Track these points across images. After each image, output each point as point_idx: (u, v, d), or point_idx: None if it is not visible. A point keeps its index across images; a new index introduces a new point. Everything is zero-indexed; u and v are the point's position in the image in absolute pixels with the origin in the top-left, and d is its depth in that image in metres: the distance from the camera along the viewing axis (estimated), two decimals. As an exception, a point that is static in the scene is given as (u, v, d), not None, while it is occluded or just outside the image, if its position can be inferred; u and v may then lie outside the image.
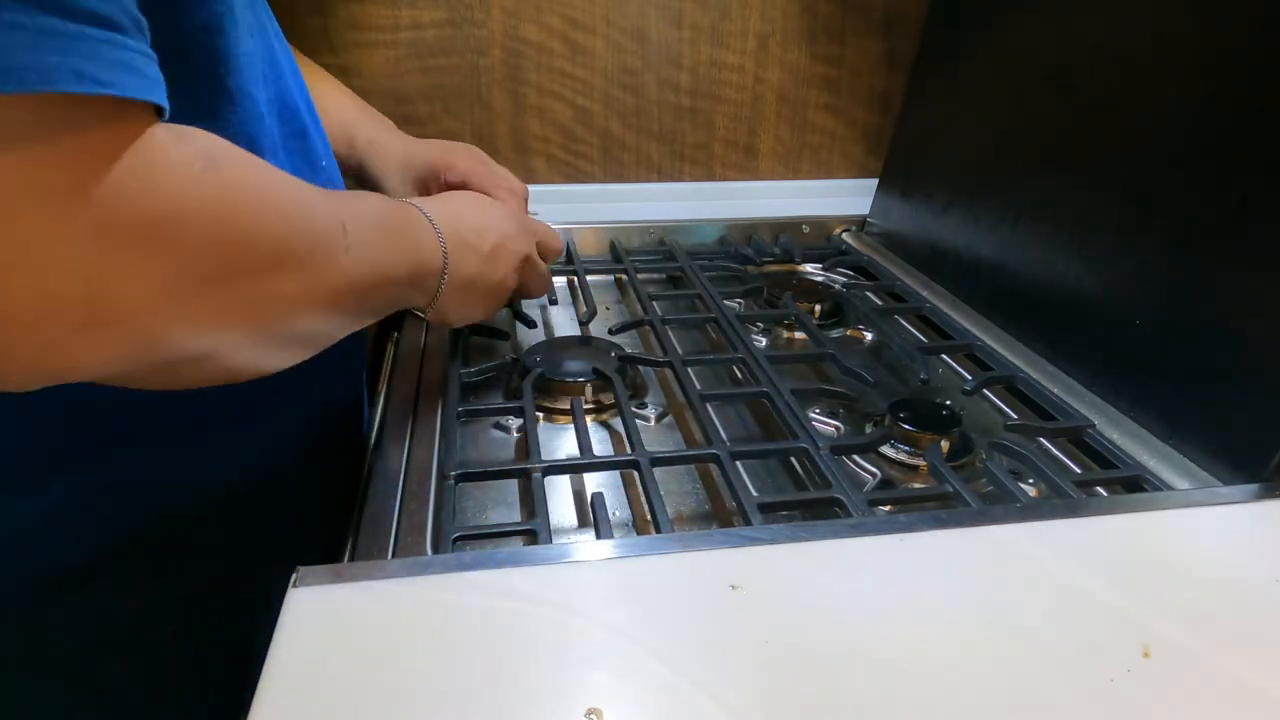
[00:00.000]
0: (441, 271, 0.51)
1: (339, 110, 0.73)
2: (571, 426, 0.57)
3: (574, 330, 0.75)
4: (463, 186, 0.71)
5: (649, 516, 0.47)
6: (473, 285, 0.55)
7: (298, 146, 0.54)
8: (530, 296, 0.67)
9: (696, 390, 0.59)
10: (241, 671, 0.44)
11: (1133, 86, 0.61)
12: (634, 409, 0.61)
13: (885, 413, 0.57)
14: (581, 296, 0.77)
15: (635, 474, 0.50)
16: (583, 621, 0.35)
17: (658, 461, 0.50)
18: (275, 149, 0.50)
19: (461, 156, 0.74)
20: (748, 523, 0.45)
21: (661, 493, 0.47)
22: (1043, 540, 0.41)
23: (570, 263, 0.87)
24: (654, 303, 0.74)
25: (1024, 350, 0.66)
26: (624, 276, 0.85)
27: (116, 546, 0.49)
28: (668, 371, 0.64)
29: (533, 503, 0.47)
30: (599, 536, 0.45)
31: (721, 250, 0.93)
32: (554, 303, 0.79)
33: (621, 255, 0.88)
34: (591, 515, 0.47)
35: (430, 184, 0.73)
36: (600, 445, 0.58)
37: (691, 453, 0.54)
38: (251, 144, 0.46)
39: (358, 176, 0.74)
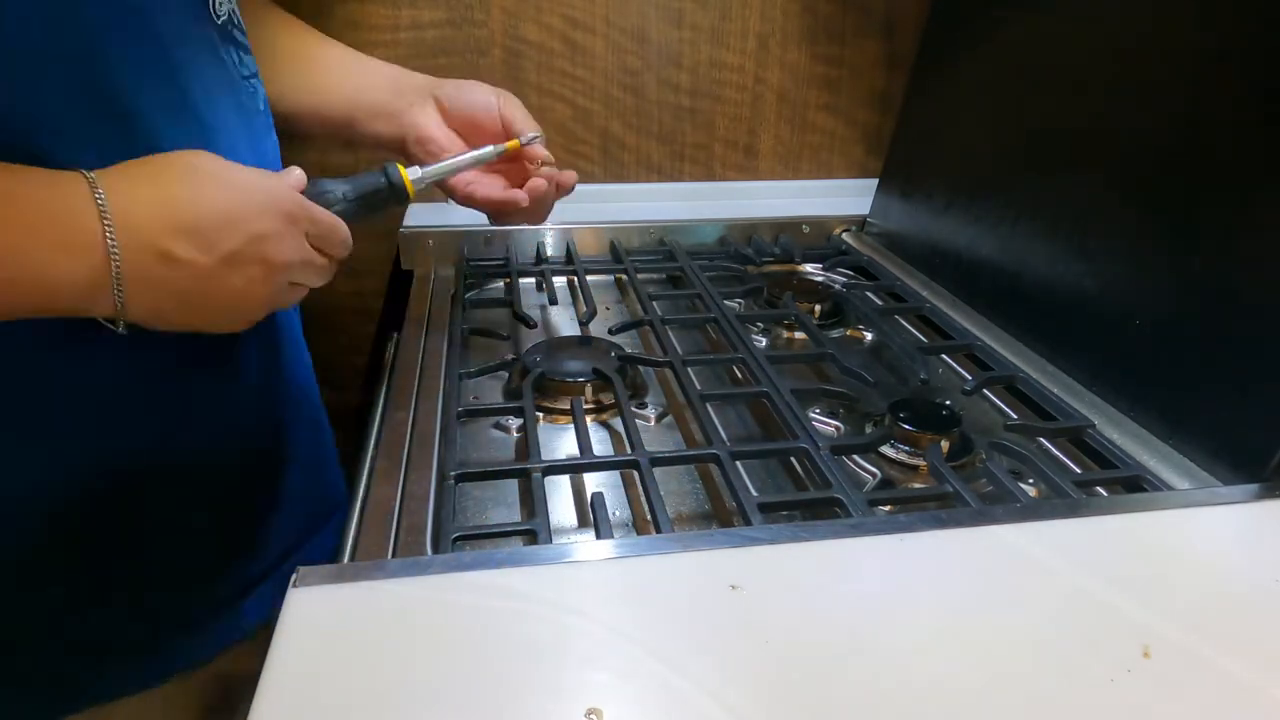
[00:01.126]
0: (113, 285, 0.40)
1: (367, 76, 0.68)
2: (571, 426, 0.57)
3: (574, 330, 0.75)
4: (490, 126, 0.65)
5: (649, 516, 0.47)
6: (187, 298, 0.43)
7: None
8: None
9: (696, 390, 0.59)
10: None
11: (1133, 86, 0.61)
12: (634, 409, 0.61)
13: (885, 413, 0.57)
14: (581, 296, 0.77)
15: (635, 474, 0.50)
16: (583, 621, 0.35)
17: (658, 461, 0.50)
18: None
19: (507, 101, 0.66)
20: (748, 523, 0.45)
21: (661, 493, 0.47)
22: (1043, 540, 0.41)
23: (570, 263, 0.87)
24: (654, 303, 0.74)
25: (1024, 350, 0.66)
26: (624, 276, 0.85)
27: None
28: (668, 371, 0.64)
29: (533, 503, 0.47)
30: (599, 536, 0.45)
31: (721, 250, 0.93)
32: (554, 303, 0.79)
33: (621, 255, 0.88)
34: (591, 515, 0.47)
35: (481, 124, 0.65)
36: (600, 445, 0.58)
37: (691, 453, 0.54)
38: None
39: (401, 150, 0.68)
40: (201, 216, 0.42)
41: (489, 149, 0.62)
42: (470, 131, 0.66)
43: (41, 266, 0.38)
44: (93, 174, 0.40)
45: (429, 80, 0.67)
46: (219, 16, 0.51)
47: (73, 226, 0.39)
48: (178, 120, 0.47)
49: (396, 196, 0.57)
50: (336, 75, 0.67)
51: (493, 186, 0.66)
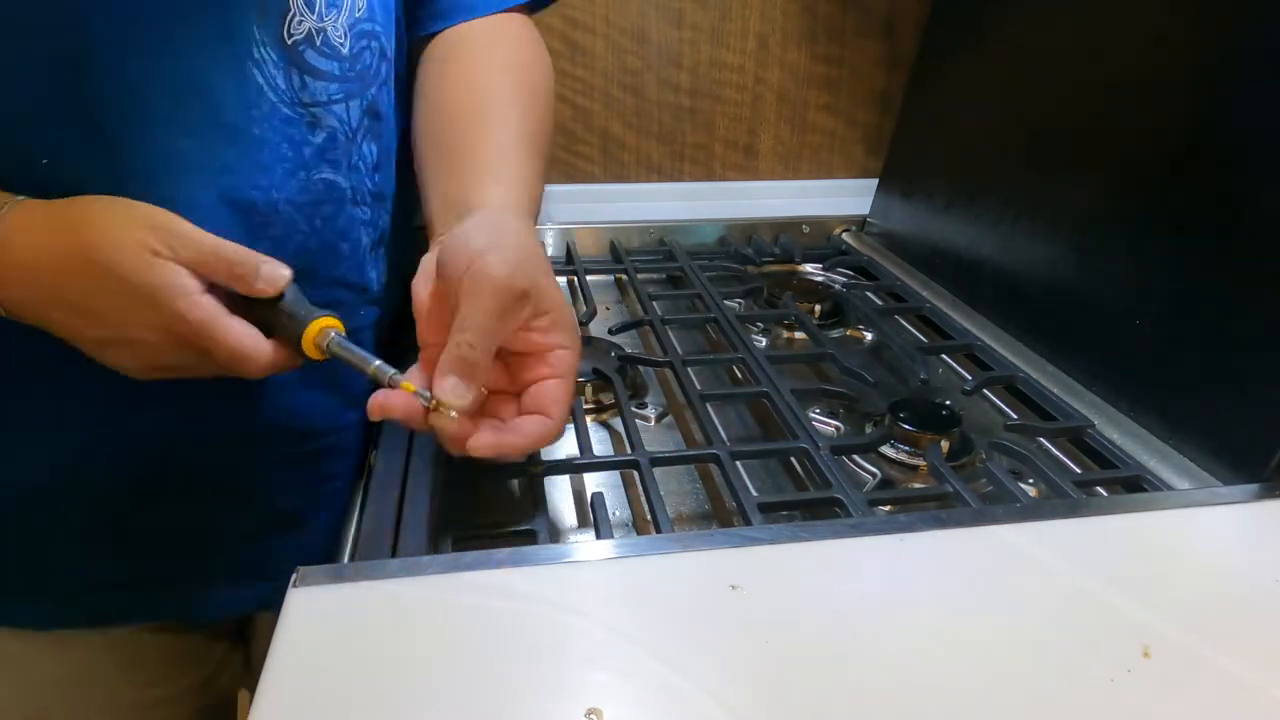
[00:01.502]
0: None
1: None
2: (571, 426, 0.57)
3: (574, 330, 0.75)
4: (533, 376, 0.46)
5: (649, 516, 0.47)
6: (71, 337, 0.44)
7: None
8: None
9: (696, 390, 0.59)
10: None
11: (1133, 86, 0.61)
12: (634, 409, 0.61)
13: (885, 413, 0.57)
14: (581, 296, 0.77)
15: (635, 474, 0.50)
16: (583, 621, 0.35)
17: (658, 461, 0.50)
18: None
19: (569, 353, 0.47)
20: (748, 523, 0.45)
21: (661, 493, 0.47)
22: (1043, 540, 0.41)
23: (570, 262, 0.87)
24: (654, 303, 0.74)
25: (1024, 350, 0.66)
26: (624, 276, 0.85)
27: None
28: (668, 371, 0.64)
29: (533, 503, 0.47)
30: (599, 536, 0.45)
31: (721, 250, 0.93)
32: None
33: (621, 255, 0.88)
34: (591, 515, 0.47)
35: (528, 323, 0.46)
36: (600, 445, 0.58)
37: (691, 453, 0.54)
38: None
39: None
40: (80, 303, 0.42)
41: (388, 372, 0.44)
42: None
43: None
44: (6, 206, 0.41)
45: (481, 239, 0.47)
46: (293, 34, 0.49)
47: None
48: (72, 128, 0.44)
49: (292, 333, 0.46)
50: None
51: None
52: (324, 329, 0.45)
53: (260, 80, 0.48)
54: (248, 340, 0.44)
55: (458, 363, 0.42)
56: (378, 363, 0.44)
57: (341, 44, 0.51)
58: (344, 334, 0.46)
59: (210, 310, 0.43)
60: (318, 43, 0.50)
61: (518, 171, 0.53)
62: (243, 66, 0.47)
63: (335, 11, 0.50)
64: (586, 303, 0.75)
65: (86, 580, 0.54)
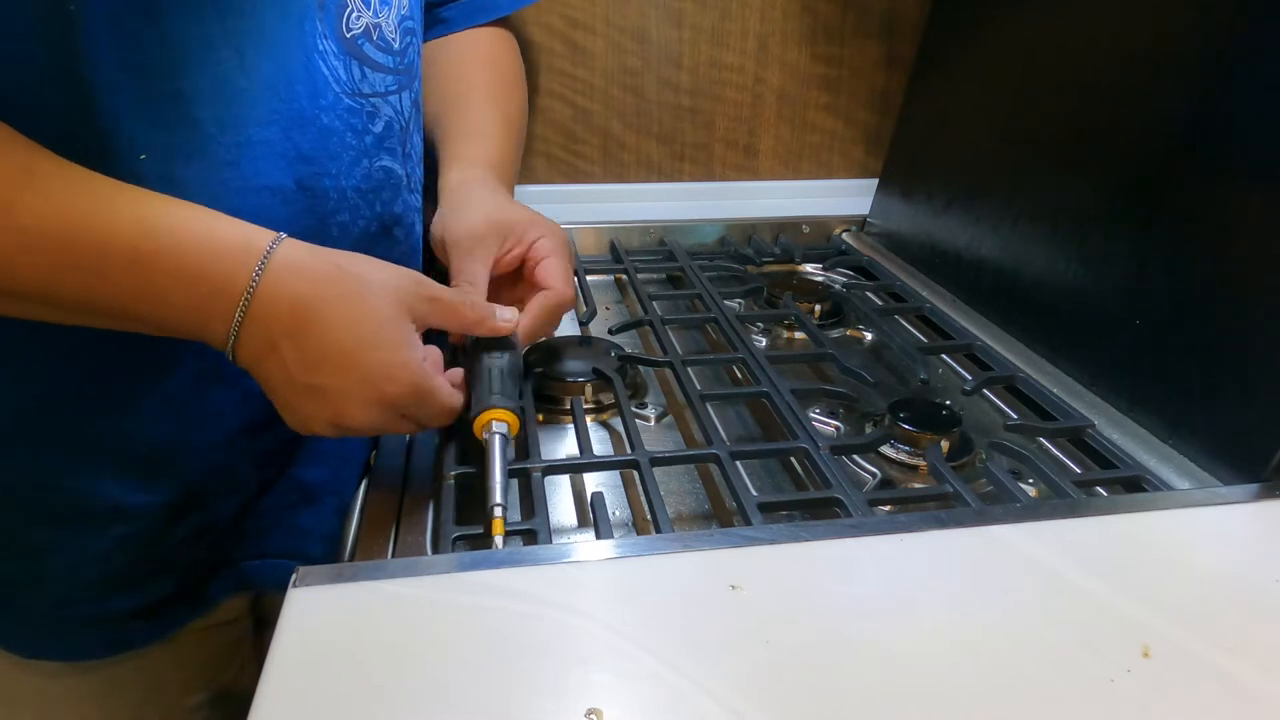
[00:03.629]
0: (230, 334, 0.42)
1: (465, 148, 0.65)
2: (571, 426, 0.57)
3: (574, 330, 0.75)
4: (532, 269, 0.58)
5: (649, 516, 0.47)
6: (274, 380, 0.44)
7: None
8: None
9: (696, 390, 0.59)
10: None
11: (1133, 86, 0.61)
12: (634, 409, 0.61)
13: (885, 413, 0.57)
14: (581, 297, 0.77)
15: (635, 474, 0.50)
16: (583, 621, 0.35)
17: (658, 461, 0.50)
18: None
19: (546, 239, 0.60)
20: (748, 523, 0.45)
21: (661, 493, 0.47)
22: (1043, 540, 0.41)
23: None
24: (654, 303, 0.74)
25: (1024, 350, 0.66)
26: (624, 276, 0.85)
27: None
28: (667, 371, 0.64)
29: (533, 503, 0.47)
30: (599, 536, 0.45)
31: (721, 250, 0.93)
32: None
33: (621, 255, 0.88)
34: (591, 515, 0.47)
35: (502, 248, 0.58)
36: (600, 445, 0.58)
37: (691, 453, 0.54)
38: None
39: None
40: (311, 339, 0.43)
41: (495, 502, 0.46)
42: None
43: (174, 299, 0.42)
44: (276, 244, 0.43)
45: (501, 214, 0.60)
46: (351, 29, 0.51)
47: (217, 281, 0.42)
48: (154, 119, 0.45)
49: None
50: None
51: None
52: (495, 419, 0.48)
53: (325, 72, 0.50)
54: (457, 397, 0.49)
55: (467, 299, 0.52)
56: (498, 497, 0.45)
57: (393, 39, 0.54)
58: (509, 435, 0.49)
59: (431, 371, 0.47)
60: (374, 37, 0.53)
61: (490, 137, 0.67)
62: (310, 59, 0.49)
63: (387, 9, 0.54)
64: (586, 303, 0.75)
65: (109, 610, 0.54)
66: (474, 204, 0.59)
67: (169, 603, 0.56)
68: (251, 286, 0.41)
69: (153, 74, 0.44)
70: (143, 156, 0.44)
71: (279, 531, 0.59)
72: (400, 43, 0.55)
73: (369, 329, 0.44)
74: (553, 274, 0.58)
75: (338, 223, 0.53)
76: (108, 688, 0.57)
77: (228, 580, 0.58)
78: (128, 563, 0.53)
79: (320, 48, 0.49)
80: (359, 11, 0.51)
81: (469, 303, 0.50)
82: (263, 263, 0.41)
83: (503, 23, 0.75)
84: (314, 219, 0.51)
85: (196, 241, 0.41)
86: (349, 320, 0.43)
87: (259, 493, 0.57)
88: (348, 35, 0.51)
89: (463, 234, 0.56)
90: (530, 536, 0.44)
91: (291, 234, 0.44)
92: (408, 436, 0.55)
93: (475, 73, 0.70)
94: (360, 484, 0.59)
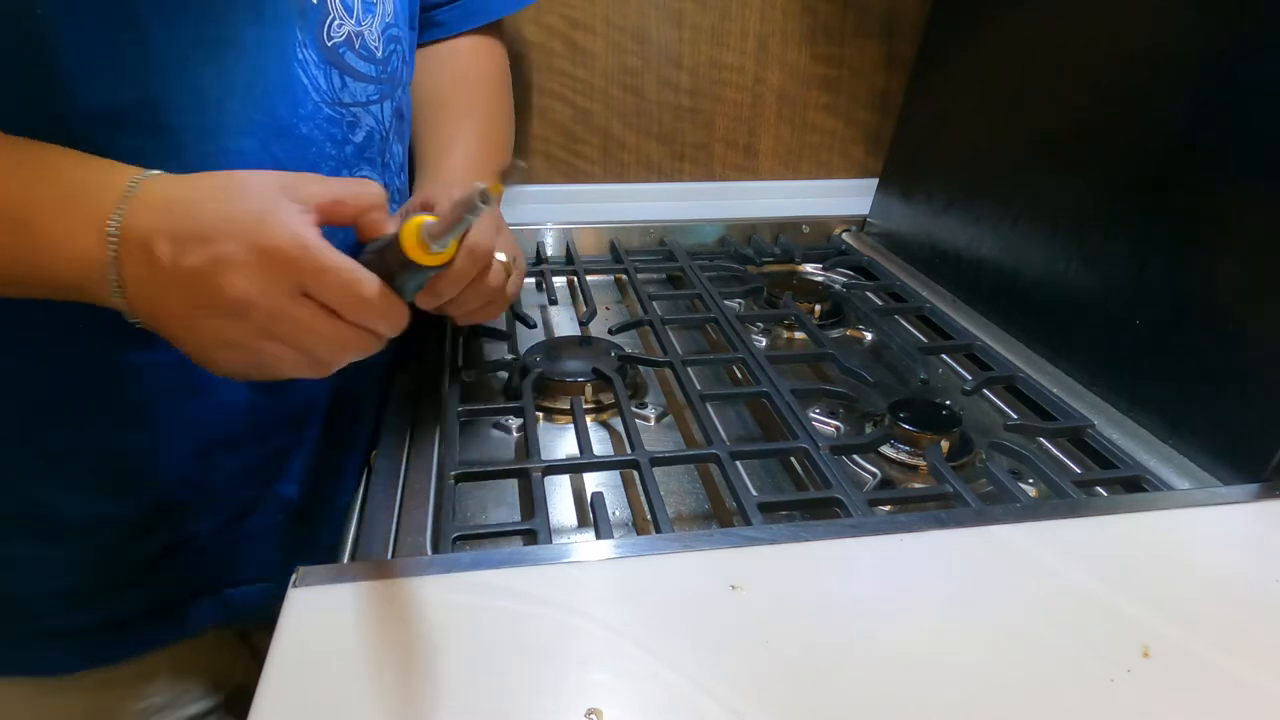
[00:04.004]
0: (109, 268, 0.39)
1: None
2: (571, 426, 0.57)
3: (574, 330, 0.75)
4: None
5: (649, 516, 0.47)
6: (169, 307, 0.40)
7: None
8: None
9: (697, 390, 0.59)
10: None
11: (1133, 87, 0.61)
12: (634, 409, 0.61)
13: (885, 413, 0.57)
14: (581, 297, 0.77)
15: (635, 474, 0.50)
16: (583, 621, 0.35)
17: (657, 461, 0.50)
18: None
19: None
20: (748, 522, 0.45)
21: (661, 493, 0.47)
22: (1043, 540, 0.41)
23: (570, 262, 0.87)
24: (654, 303, 0.74)
25: (1024, 350, 0.66)
26: (624, 276, 0.85)
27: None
28: (667, 371, 0.64)
29: (532, 502, 0.47)
30: (599, 536, 0.45)
31: (721, 250, 0.93)
32: (554, 302, 0.79)
33: (621, 255, 0.88)
34: (591, 515, 0.47)
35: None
36: (600, 445, 0.58)
37: (691, 453, 0.54)
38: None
39: None
40: (185, 222, 0.39)
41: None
42: None
43: (49, 230, 0.39)
44: (146, 175, 0.40)
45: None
46: (333, 37, 0.50)
47: (88, 202, 0.39)
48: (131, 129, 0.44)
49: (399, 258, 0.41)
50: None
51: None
52: (422, 224, 0.39)
53: (305, 81, 0.49)
54: (368, 277, 0.39)
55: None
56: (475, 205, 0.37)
57: (376, 47, 0.53)
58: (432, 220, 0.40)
59: (321, 239, 0.40)
60: (356, 45, 0.52)
61: (464, 154, 0.66)
62: (289, 67, 0.48)
63: (370, 16, 0.52)
64: (586, 303, 0.75)
65: (97, 619, 0.53)
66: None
67: (143, 619, 0.54)
68: (125, 194, 0.39)
69: (127, 80, 0.43)
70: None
71: (267, 552, 0.57)
72: (383, 51, 0.54)
73: (242, 195, 0.40)
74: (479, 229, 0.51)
75: None
76: (91, 707, 0.56)
77: (212, 607, 0.57)
78: (95, 576, 0.52)
79: (300, 56, 0.48)
80: (341, 19, 0.50)
81: (355, 181, 0.44)
82: (134, 182, 0.39)
83: (496, 27, 0.74)
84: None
85: (67, 174, 0.40)
86: (221, 192, 0.40)
87: (244, 512, 0.56)
88: (329, 44, 0.50)
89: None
90: (530, 536, 0.44)
91: None
92: (407, 434, 0.55)
93: (454, 89, 0.69)
94: (357, 495, 0.59)
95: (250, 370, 0.41)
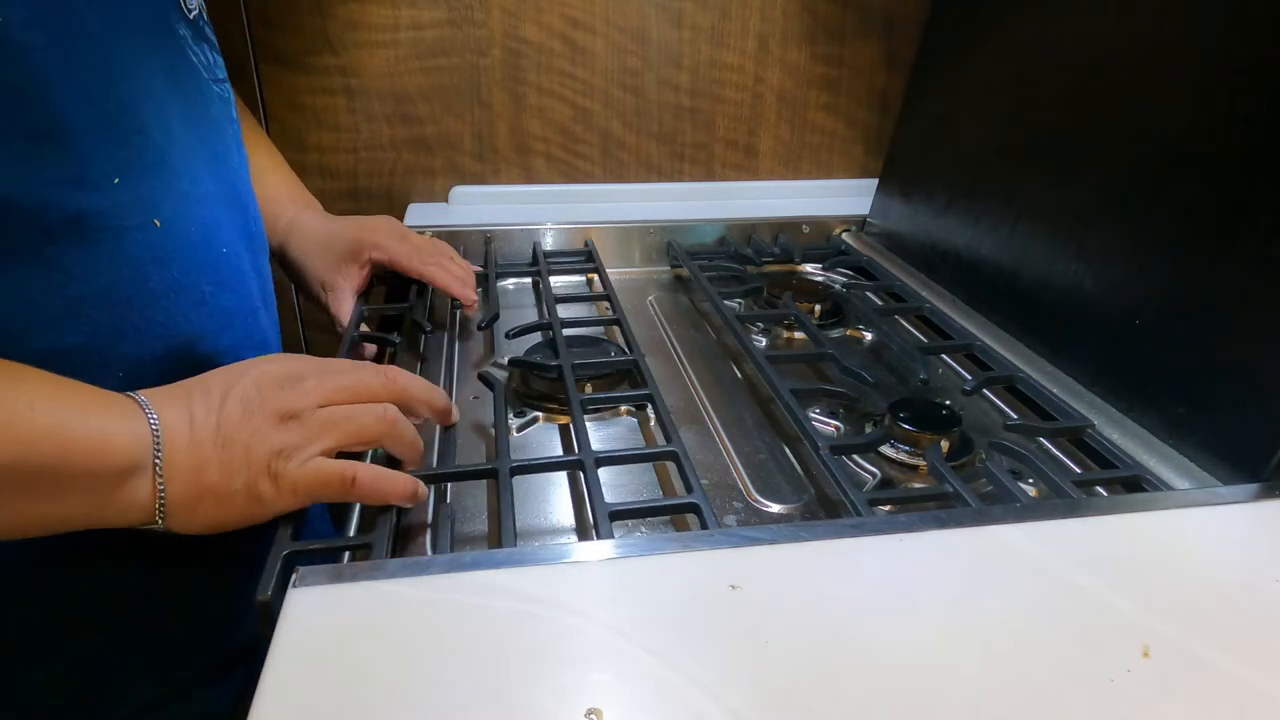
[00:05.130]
0: (152, 447, 0.39)
1: (266, 190, 0.69)
2: (571, 427, 0.57)
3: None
4: (388, 266, 0.71)
5: (591, 519, 0.46)
6: (209, 470, 0.41)
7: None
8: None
9: (697, 390, 0.59)
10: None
11: (1133, 87, 0.61)
12: (634, 409, 0.61)
13: (885, 413, 0.57)
14: (490, 300, 0.77)
15: (580, 474, 0.49)
16: (583, 621, 0.35)
17: (602, 461, 0.49)
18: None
19: (382, 234, 0.71)
20: (601, 534, 0.43)
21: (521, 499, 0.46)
22: (1043, 540, 0.41)
23: (536, 263, 0.86)
24: (559, 305, 0.73)
25: (1024, 350, 0.66)
26: (594, 276, 0.84)
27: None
28: (681, 370, 0.64)
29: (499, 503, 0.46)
30: (599, 536, 0.44)
31: (721, 250, 0.93)
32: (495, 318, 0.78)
33: (539, 256, 0.88)
34: (591, 516, 0.46)
35: (354, 263, 0.70)
36: (601, 444, 0.58)
37: (557, 459, 0.51)
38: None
39: (280, 259, 0.72)
40: (212, 412, 0.41)
41: None
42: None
43: (99, 418, 0.38)
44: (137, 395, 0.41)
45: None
46: (190, 10, 0.49)
47: (118, 401, 0.40)
48: (114, 137, 0.43)
49: None
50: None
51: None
52: None
53: (193, 59, 0.48)
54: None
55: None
56: None
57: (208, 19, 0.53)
58: None
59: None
60: (205, 17, 0.51)
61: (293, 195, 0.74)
62: (184, 49, 0.47)
63: None
64: (493, 304, 0.74)
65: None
66: (312, 238, 0.70)
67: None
68: (158, 461, 0.39)
69: (102, 88, 0.42)
70: (116, 180, 0.43)
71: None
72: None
73: (249, 364, 0.43)
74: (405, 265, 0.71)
75: (250, 214, 0.53)
76: None
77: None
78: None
79: (181, 33, 0.47)
80: None
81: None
82: (157, 441, 0.39)
83: None
84: (238, 210, 0.50)
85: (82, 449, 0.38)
86: (229, 373, 0.43)
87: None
88: (190, 16, 0.49)
89: (324, 272, 0.69)
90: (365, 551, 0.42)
91: (244, 245, 0.45)
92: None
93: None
94: None
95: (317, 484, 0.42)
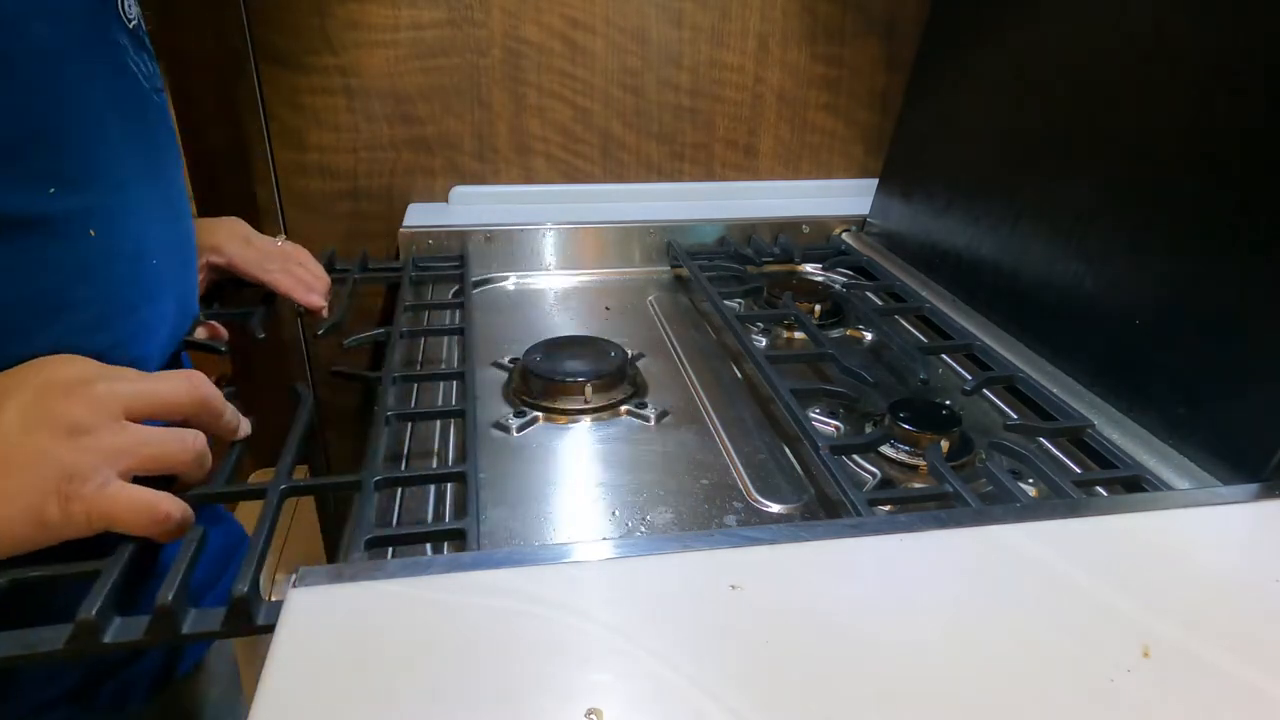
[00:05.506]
0: None
1: None
2: (572, 426, 0.57)
3: (572, 331, 0.75)
4: (229, 271, 0.68)
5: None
6: None
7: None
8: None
9: (697, 390, 0.59)
10: None
11: (1133, 87, 0.61)
12: (634, 408, 0.61)
13: (885, 413, 0.57)
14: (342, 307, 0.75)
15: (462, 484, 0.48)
16: (583, 621, 0.35)
17: (382, 485, 0.46)
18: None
19: (222, 237, 0.68)
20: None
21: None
22: (1043, 540, 0.41)
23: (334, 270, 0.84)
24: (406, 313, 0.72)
25: (1024, 350, 0.66)
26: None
27: None
28: (683, 372, 0.64)
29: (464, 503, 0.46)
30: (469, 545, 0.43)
31: (721, 250, 0.93)
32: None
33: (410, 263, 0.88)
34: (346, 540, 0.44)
35: (201, 270, 0.66)
36: (600, 444, 0.58)
37: (332, 481, 0.48)
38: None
39: None
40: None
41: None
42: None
43: None
44: None
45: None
46: (130, 19, 0.48)
47: None
48: (54, 146, 0.42)
49: None
50: None
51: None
52: None
53: (132, 69, 0.47)
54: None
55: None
56: None
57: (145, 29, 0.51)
58: None
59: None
60: (144, 28, 0.50)
61: None
62: (120, 56, 0.47)
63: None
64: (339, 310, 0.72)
65: None
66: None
67: None
68: None
69: (48, 102, 0.41)
70: (52, 190, 0.41)
71: None
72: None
73: (27, 368, 0.40)
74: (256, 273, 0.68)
75: (185, 216, 0.53)
76: None
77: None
78: None
79: (122, 43, 0.47)
80: (129, 1, 0.48)
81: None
82: None
83: None
84: (175, 213, 0.51)
85: None
86: (3, 380, 0.39)
87: None
88: (130, 26, 0.48)
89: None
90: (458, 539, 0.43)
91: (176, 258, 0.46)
92: (408, 429, 0.55)
93: None
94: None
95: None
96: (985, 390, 0.64)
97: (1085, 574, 0.39)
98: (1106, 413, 0.57)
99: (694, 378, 0.61)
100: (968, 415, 0.60)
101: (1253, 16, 0.52)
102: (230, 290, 0.71)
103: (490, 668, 0.33)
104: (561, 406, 0.61)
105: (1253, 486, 0.46)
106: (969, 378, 0.65)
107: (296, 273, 0.70)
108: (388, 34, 0.92)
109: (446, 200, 1.00)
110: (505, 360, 0.68)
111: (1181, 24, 0.57)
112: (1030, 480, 0.52)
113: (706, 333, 0.77)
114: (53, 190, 0.41)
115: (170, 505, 0.39)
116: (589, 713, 0.31)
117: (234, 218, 0.71)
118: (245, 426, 0.48)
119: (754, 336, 0.73)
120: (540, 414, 0.61)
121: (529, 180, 1.01)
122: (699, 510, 0.52)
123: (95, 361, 0.42)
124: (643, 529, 0.50)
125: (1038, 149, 0.70)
